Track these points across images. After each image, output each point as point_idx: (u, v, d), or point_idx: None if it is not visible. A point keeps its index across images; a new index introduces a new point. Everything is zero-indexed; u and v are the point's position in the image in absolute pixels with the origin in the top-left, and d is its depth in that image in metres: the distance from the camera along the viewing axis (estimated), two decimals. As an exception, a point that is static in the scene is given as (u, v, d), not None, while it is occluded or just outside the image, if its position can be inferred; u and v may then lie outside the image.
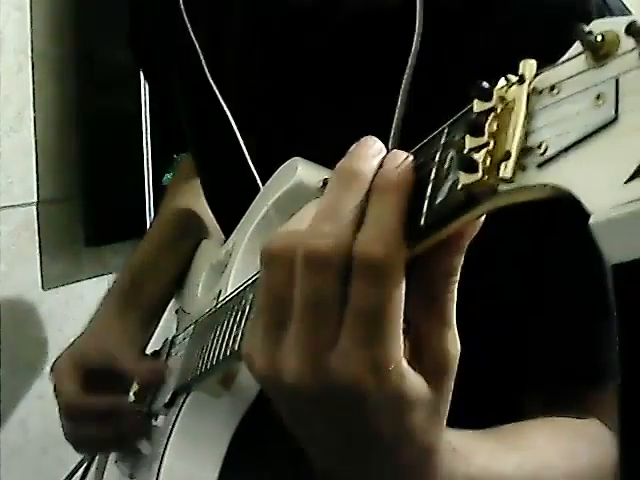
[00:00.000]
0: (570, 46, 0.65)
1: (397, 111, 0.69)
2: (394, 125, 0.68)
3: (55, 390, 0.97)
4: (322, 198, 0.45)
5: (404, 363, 0.43)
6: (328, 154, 0.73)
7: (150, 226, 1.17)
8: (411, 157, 0.42)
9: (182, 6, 0.86)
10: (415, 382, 0.44)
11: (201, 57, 0.84)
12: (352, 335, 0.42)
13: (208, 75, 0.83)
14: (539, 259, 0.71)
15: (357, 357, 0.42)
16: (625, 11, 0.71)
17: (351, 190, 0.43)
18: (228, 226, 0.87)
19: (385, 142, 0.69)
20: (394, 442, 0.45)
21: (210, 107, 0.83)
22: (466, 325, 0.46)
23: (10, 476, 1.60)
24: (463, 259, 0.44)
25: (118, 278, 1.07)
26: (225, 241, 0.90)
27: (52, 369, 0.99)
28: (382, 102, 0.74)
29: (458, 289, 0.45)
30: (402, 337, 0.42)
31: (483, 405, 0.64)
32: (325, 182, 0.73)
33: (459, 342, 0.45)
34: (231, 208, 0.86)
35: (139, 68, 1.05)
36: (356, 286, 0.42)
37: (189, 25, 0.85)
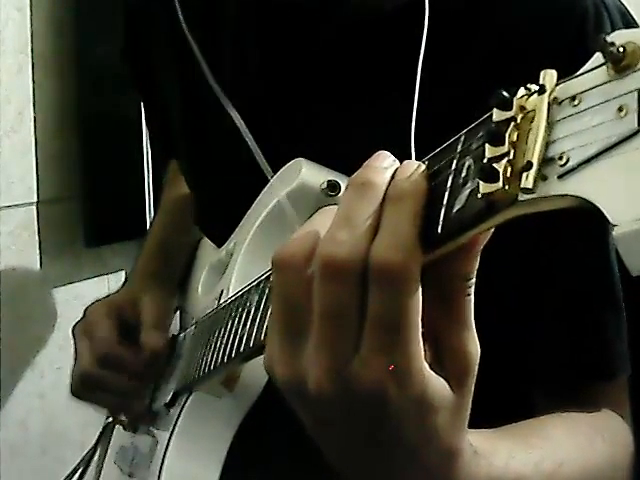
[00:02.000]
0: (570, 44, 0.65)
1: (414, 111, 0.69)
2: (413, 125, 0.68)
3: (83, 334, 0.96)
4: (337, 207, 0.45)
5: (425, 367, 0.43)
6: (330, 154, 0.74)
7: (155, 216, 1.18)
8: (423, 166, 0.43)
9: (179, 10, 0.86)
10: (437, 385, 0.44)
11: (200, 59, 0.84)
12: (372, 342, 0.42)
13: (209, 76, 0.83)
14: (546, 255, 0.71)
15: (378, 363, 0.42)
16: (622, 7, 0.71)
17: (365, 199, 0.43)
18: (226, 227, 0.87)
19: (389, 141, 0.70)
20: (417, 445, 0.46)
21: (213, 109, 0.83)
22: (476, 322, 0.46)
23: (10, 476, 1.60)
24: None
25: (137, 263, 1.09)
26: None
27: (84, 313, 0.99)
28: (384, 102, 0.74)
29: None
30: (422, 341, 0.43)
31: (493, 400, 0.64)
32: (329, 184, 0.73)
33: (478, 342, 0.46)
34: (230, 210, 0.86)
35: (133, 82, 1.05)
36: (373, 294, 0.42)
37: (186, 28, 0.85)
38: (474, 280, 0.44)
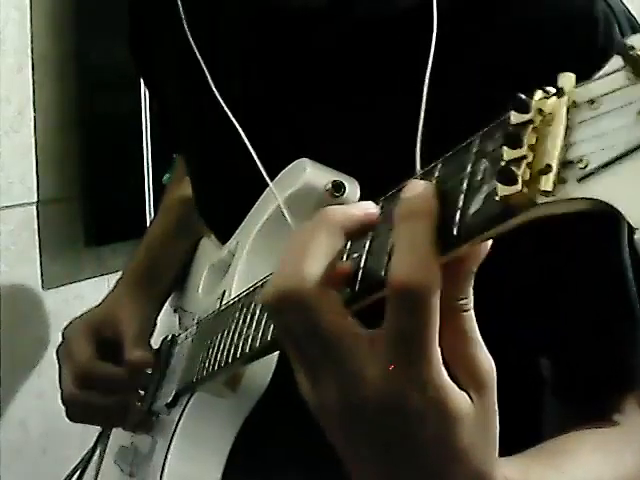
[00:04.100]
0: (580, 50, 0.65)
1: (422, 113, 0.69)
2: (420, 127, 0.68)
3: (63, 356, 0.96)
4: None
5: (445, 377, 0.43)
6: (334, 156, 0.74)
7: (154, 218, 1.18)
8: (431, 184, 0.43)
9: (181, 9, 0.85)
10: (458, 397, 0.44)
11: (200, 59, 0.84)
12: (390, 356, 0.43)
13: (208, 77, 0.83)
14: (561, 267, 0.71)
15: (397, 375, 0.43)
16: (629, 15, 0.71)
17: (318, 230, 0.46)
18: (230, 224, 0.87)
19: (393, 143, 0.70)
20: (444, 462, 0.45)
21: (213, 108, 0.83)
22: (490, 334, 0.46)
23: (10, 476, 1.60)
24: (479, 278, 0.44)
25: (129, 265, 1.08)
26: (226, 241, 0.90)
27: (63, 335, 0.98)
28: (388, 104, 0.74)
29: (481, 299, 0.46)
30: (439, 352, 0.43)
31: (508, 413, 0.65)
32: (334, 184, 0.73)
33: (490, 357, 0.45)
34: (231, 209, 0.86)
35: (138, 73, 1.05)
36: (392, 311, 0.42)
37: (187, 28, 0.85)
38: (470, 299, 0.45)
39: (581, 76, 0.35)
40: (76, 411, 0.95)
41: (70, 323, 0.99)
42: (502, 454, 0.52)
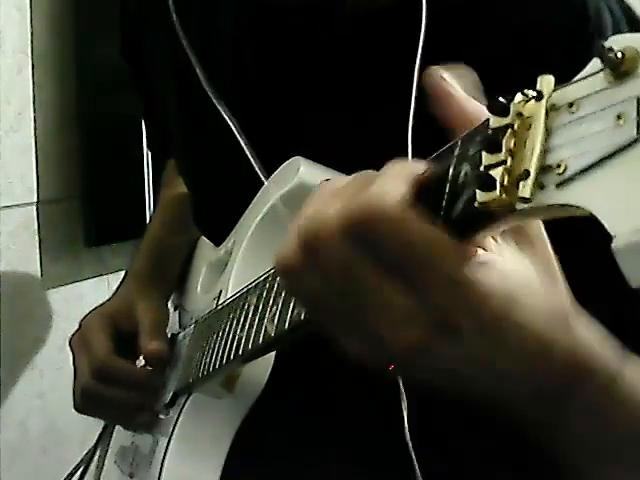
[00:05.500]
0: (572, 46, 0.64)
1: (411, 110, 0.68)
2: (410, 124, 0.68)
3: (79, 347, 0.95)
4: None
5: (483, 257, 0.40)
6: (327, 155, 0.73)
7: (153, 215, 1.18)
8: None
9: (173, 12, 0.85)
10: (505, 261, 0.41)
11: (194, 61, 0.83)
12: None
13: (202, 77, 0.82)
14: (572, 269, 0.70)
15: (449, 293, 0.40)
16: (624, 4, 0.71)
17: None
18: (224, 226, 0.87)
19: (386, 143, 0.69)
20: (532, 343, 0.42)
21: (208, 110, 0.83)
22: None
23: (10, 476, 1.60)
24: None
25: (133, 263, 1.07)
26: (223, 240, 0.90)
27: (79, 325, 0.97)
28: (382, 104, 0.73)
29: None
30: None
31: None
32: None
33: None
34: (228, 209, 0.86)
35: (131, 80, 1.05)
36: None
37: (180, 29, 0.84)
38: None
39: (573, 71, 0.34)
40: (88, 403, 0.95)
41: (87, 315, 0.98)
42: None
